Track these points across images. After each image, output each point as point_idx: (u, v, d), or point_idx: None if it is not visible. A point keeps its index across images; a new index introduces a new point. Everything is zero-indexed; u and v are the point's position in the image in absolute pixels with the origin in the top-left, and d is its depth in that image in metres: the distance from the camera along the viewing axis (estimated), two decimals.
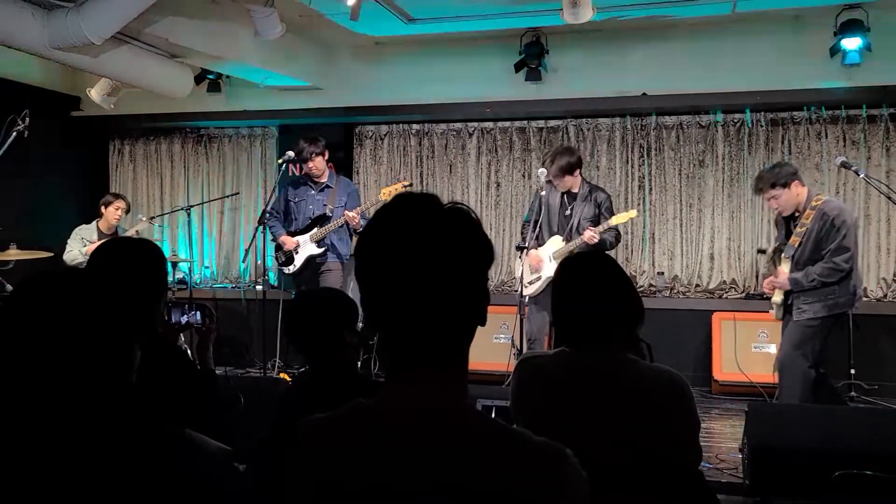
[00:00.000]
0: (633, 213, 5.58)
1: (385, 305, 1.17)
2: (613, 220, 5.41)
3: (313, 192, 6.25)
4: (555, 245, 5.58)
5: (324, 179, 6.24)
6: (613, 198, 5.90)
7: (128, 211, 6.77)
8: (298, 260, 6.18)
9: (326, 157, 6.22)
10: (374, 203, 6.25)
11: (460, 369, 1.20)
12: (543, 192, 5.42)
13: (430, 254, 1.14)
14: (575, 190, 5.57)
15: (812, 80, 6.40)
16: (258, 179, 8.11)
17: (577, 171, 5.56)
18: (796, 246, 4.68)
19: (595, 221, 5.50)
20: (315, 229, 6.13)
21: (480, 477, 1.10)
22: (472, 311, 1.19)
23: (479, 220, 1.22)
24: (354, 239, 6.12)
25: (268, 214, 6.23)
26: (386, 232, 1.17)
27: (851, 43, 6.04)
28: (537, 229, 5.51)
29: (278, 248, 6.28)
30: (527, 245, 5.44)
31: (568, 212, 5.58)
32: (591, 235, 5.32)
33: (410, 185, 6.04)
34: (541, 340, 5.54)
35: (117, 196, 6.75)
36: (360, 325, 2.45)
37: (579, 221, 5.52)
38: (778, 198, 4.71)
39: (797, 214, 4.74)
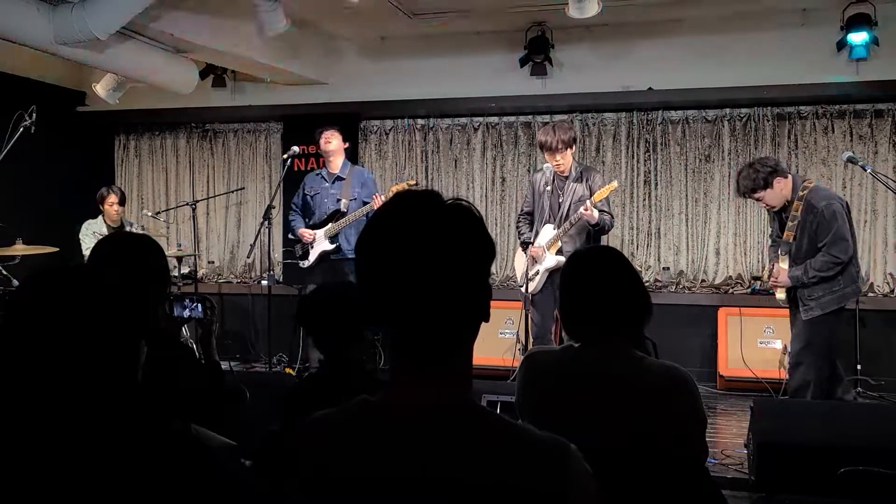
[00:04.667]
0: (613, 184, 5.20)
1: (386, 303, 1.16)
2: (595, 197, 5.10)
3: (327, 184, 6.18)
4: (547, 235, 5.37)
5: (336, 170, 6.18)
6: (619, 193, 5.84)
7: (122, 202, 6.71)
8: (312, 255, 6.12)
9: (342, 141, 6.16)
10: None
11: (464, 365, 1.21)
12: (537, 177, 5.32)
13: (431, 250, 1.14)
14: (566, 172, 5.32)
15: (819, 74, 6.37)
16: (263, 175, 8.11)
17: (572, 150, 5.30)
18: (791, 241, 4.67)
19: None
20: (330, 224, 6.07)
21: (485, 472, 1.10)
22: (473, 307, 1.19)
23: (481, 215, 1.22)
24: None
25: (293, 206, 6.29)
26: (386, 229, 1.17)
27: (858, 37, 6.04)
28: (533, 220, 5.42)
29: (296, 241, 6.25)
30: (531, 240, 5.40)
31: (560, 198, 5.33)
32: (588, 212, 4.98)
33: (416, 183, 6.00)
34: (548, 337, 5.51)
35: (110, 190, 6.70)
36: None
37: (570, 205, 5.26)
38: (762, 199, 4.71)
39: (787, 205, 4.72)
